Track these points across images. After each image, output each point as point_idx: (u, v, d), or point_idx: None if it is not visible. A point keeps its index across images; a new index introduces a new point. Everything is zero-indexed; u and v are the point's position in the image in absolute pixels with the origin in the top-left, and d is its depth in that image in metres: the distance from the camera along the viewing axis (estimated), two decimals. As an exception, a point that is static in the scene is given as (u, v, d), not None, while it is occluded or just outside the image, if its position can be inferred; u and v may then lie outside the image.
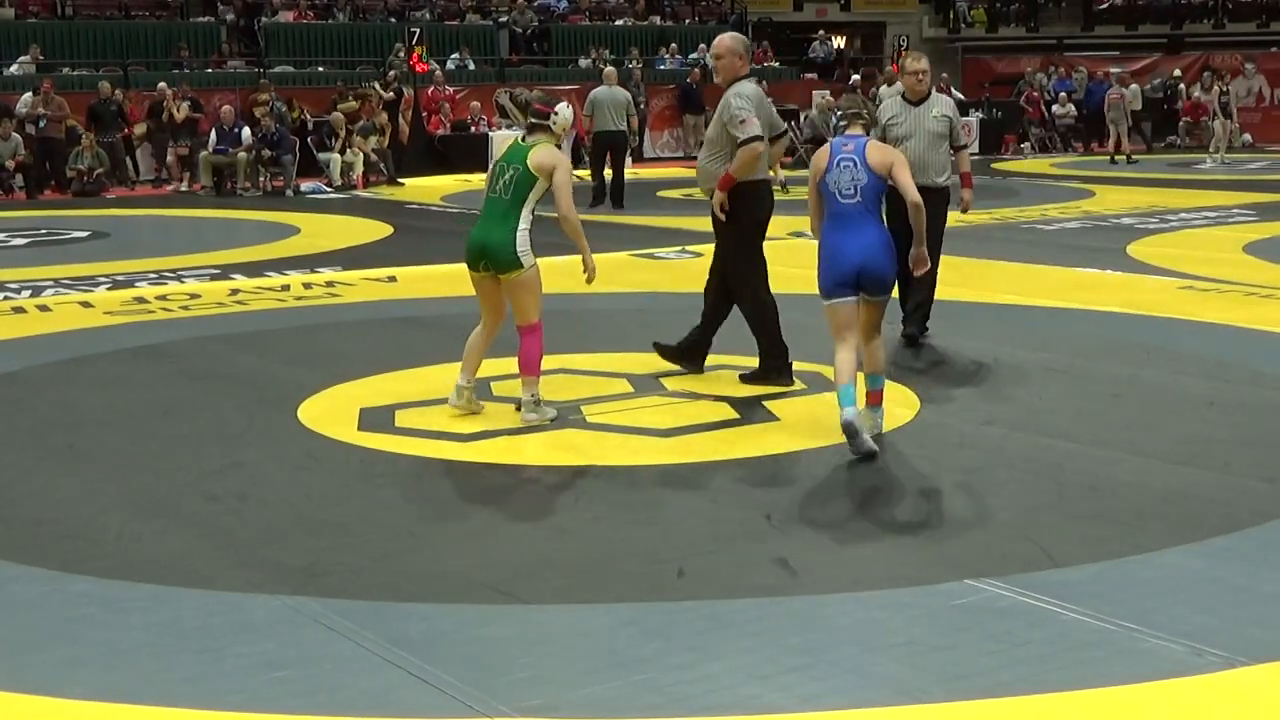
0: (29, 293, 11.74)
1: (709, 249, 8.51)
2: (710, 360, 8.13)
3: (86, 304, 11.15)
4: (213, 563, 5.14)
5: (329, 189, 21.81)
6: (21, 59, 24.64)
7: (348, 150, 22.55)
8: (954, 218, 9.78)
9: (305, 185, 21.71)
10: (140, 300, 11.32)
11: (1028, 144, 29.61)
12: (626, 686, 4.01)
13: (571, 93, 24.05)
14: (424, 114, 25.26)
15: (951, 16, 37.19)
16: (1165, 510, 5.61)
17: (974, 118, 28.00)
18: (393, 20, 29.14)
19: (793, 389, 7.72)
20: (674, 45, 30.76)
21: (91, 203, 20.20)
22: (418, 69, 25.38)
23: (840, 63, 33.96)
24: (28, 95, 21.89)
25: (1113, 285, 11.47)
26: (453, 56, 28.00)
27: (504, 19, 30.32)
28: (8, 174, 21.28)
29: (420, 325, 10.12)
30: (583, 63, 28.94)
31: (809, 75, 31.97)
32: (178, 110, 22.38)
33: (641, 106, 25.82)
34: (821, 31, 35.91)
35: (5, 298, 11.50)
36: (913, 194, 6.62)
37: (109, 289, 11.94)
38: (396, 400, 7.60)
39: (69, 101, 22.17)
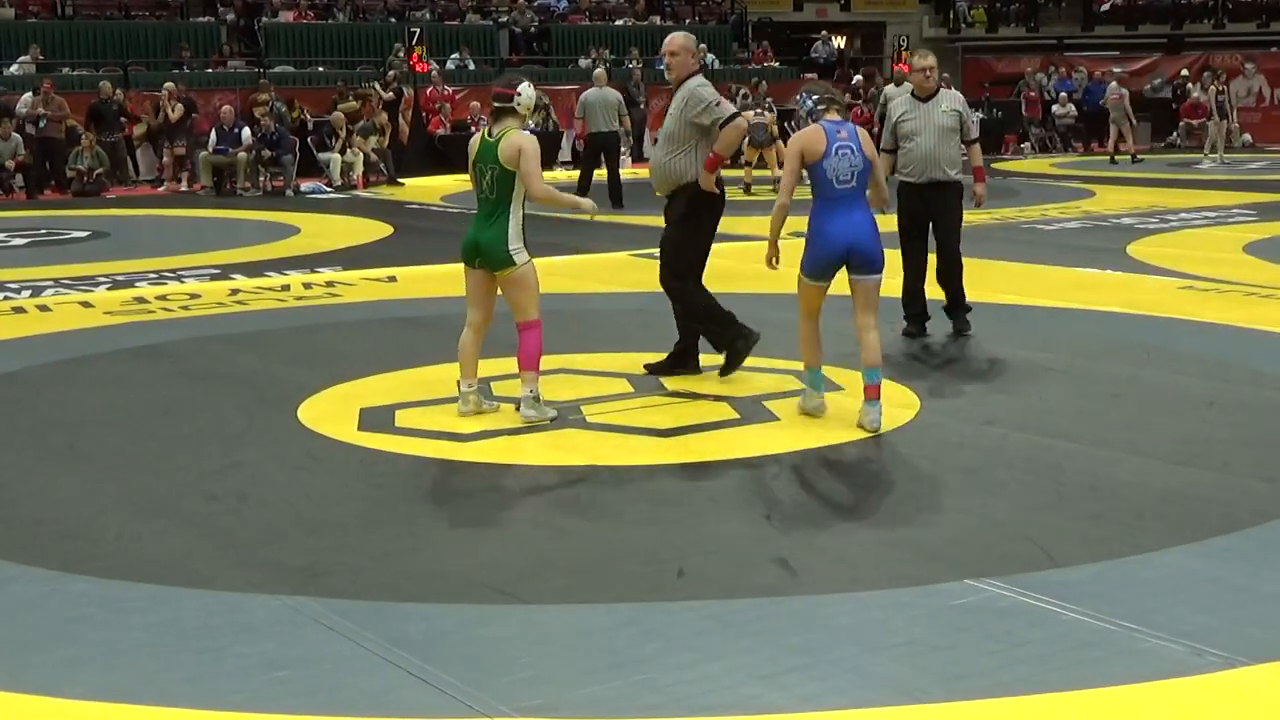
0: (29, 293, 11.74)
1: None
2: (709, 360, 8.12)
3: (86, 304, 11.15)
4: (213, 563, 5.14)
5: (329, 189, 21.81)
6: (21, 59, 24.64)
7: (348, 150, 22.55)
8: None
9: (305, 185, 21.71)
10: (140, 300, 11.32)
11: (1028, 144, 29.61)
12: (626, 686, 4.01)
13: (571, 93, 24.13)
14: (424, 114, 25.25)
15: (951, 16, 37.20)
16: (1165, 510, 5.61)
17: (974, 118, 27.94)
18: (393, 20, 29.15)
19: (792, 389, 7.71)
20: (674, 45, 30.72)
21: (91, 203, 20.20)
22: (417, 69, 25.38)
23: (840, 63, 33.95)
24: (28, 95, 21.90)
25: (1113, 285, 11.46)
26: (453, 56, 28.01)
27: (504, 19, 30.33)
28: (8, 174, 21.28)
29: (420, 325, 10.12)
30: (583, 63, 28.91)
31: (809, 75, 31.93)
32: (172, 110, 22.37)
33: (641, 106, 25.82)
34: (824, 32, 35.90)
35: (5, 298, 11.49)
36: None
37: (109, 289, 11.94)
38: (396, 400, 7.60)
39: (69, 101, 22.18)
